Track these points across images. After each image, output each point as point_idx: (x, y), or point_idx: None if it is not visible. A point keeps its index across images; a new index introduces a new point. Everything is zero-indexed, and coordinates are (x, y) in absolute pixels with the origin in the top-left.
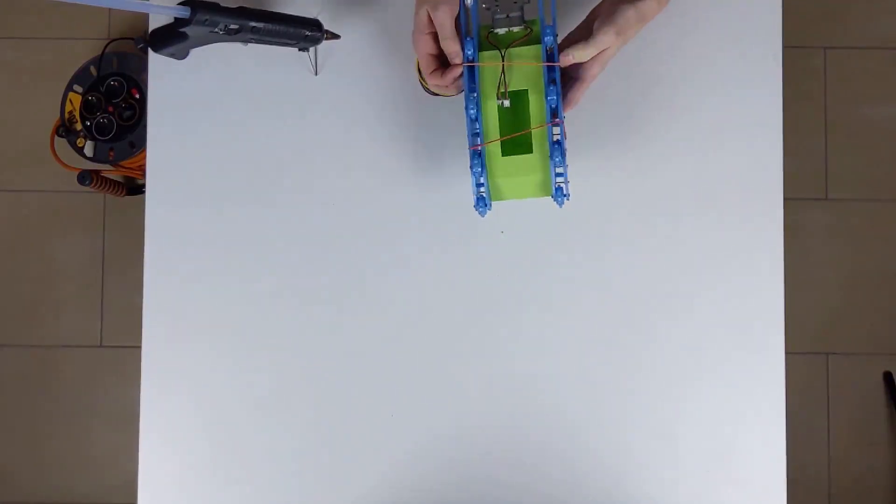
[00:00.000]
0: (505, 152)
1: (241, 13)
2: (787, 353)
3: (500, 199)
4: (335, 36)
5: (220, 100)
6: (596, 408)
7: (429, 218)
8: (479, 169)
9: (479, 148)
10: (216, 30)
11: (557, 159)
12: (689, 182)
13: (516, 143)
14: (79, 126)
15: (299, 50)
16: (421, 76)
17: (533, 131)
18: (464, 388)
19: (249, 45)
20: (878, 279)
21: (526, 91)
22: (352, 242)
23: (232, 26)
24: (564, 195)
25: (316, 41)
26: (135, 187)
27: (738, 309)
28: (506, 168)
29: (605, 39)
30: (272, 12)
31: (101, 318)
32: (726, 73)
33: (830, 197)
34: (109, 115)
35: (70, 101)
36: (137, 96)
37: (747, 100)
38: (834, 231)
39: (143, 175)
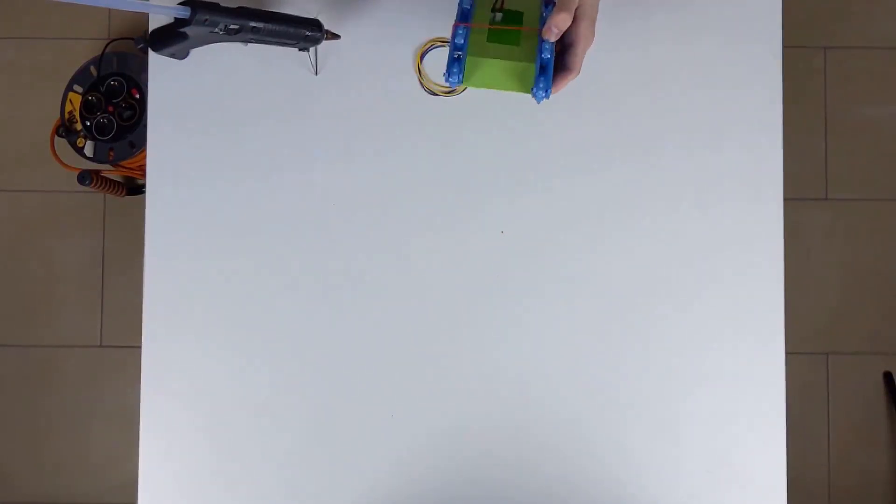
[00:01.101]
0: (490, 39)
1: (241, 13)
2: (787, 353)
3: (473, 84)
4: (335, 36)
5: (220, 100)
6: (596, 408)
7: (429, 218)
8: (462, 41)
9: (465, 26)
10: (216, 30)
11: (546, 46)
12: (689, 182)
13: (503, 36)
14: (79, 126)
15: (299, 50)
16: (420, 75)
17: (523, 31)
18: (464, 388)
19: (249, 45)
20: (878, 279)
21: (521, 13)
22: (351, 242)
23: (232, 26)
24: (544, 90)
25: (316, 41)
26: (135, 187)
27: (739, 309)
28: (488, 50)
29: None
30: (272, 12)
31: (101, 318)
32: (726, 73)
33: (830, 197)
34: (109, 115)
35: (70, 101)
36: (137, 96)
37: (747, 100)
38: (834, 231)
39: (143, 175)
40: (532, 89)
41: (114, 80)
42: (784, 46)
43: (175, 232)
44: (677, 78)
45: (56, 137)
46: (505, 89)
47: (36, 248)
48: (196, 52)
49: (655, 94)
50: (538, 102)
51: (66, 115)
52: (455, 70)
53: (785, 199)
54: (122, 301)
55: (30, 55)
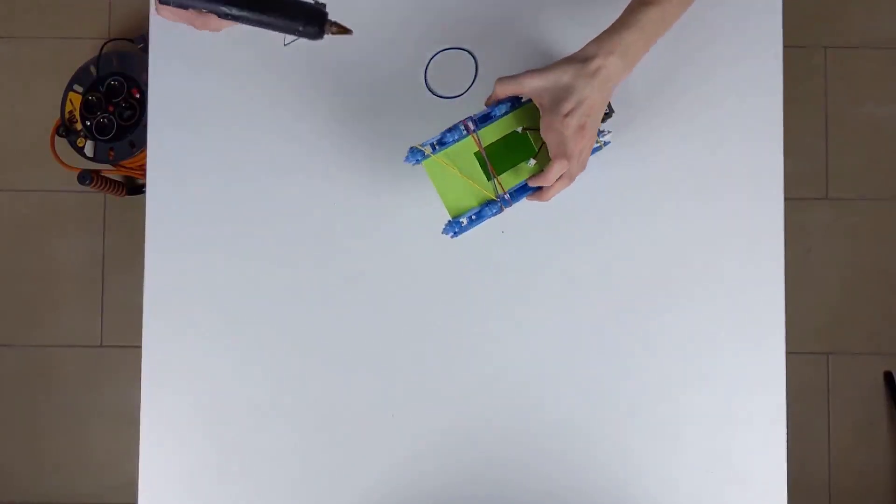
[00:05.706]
0: (476, 154)
1: None
2: (787, 352)
3: (428, 175)
4: (345, 30)
5: (221, 99)
6: (596, 408)
7: (430, 217)
8: (455, 138)
9: (470, 128)
10: None
11: (492, 210)
12: (689, 182)
13: (483, 164)
14: (79, 126)
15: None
16: (427, 78)
17: (502, 176)
18: (464, 389)
19: (250, 46)
20: (879, 279)
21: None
22: (352, 243)
23: None
24: (455, 233)
25: (314, 36)
26: (135, 187)
27: (739, 309)
28: (464, 164)
29: (526, 82)
30: None
31: (101, 318)
32: (726, 73)
33: (831, 196)
34: (109, 114)
35: (70, 100)
36: (137, 96)
37: (747, 99)
38: (834, 231)
39: (143, 175)
40: (450, 221)
41: (114, 80)
42: (784, 46)
43: (175, 231)
44: (677, 78)
45: (56, 137)
46: (441, 196)
47: (36, 248)
48: (196, 52)
49: (655, 94)
50: (444, 235)
51: (67, 115)
52: (416, 157)
53: (785, 199)
54: (122, 301)
55: (30, 55)
